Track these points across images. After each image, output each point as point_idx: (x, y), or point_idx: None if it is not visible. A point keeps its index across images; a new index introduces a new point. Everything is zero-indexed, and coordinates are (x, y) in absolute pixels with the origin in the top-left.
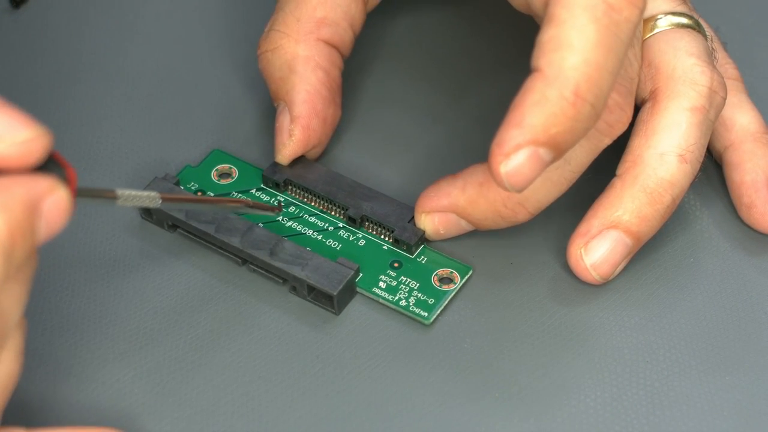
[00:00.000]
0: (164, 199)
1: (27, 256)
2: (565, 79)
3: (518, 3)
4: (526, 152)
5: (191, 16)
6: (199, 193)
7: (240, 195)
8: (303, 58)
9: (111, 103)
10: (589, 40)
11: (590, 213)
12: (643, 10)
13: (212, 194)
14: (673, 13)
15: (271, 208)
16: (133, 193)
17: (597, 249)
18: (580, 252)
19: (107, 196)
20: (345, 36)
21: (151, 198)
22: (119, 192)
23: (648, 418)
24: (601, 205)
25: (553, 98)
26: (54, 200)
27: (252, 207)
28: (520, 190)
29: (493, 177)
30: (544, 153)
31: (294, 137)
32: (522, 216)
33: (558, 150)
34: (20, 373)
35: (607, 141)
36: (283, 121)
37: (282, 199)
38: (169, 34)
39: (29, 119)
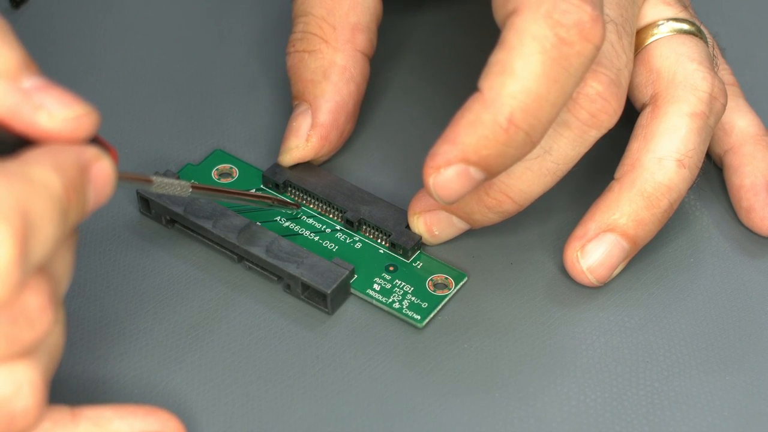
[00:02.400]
0: (194, 188)
1: (79, 220)
2: (501, 105)
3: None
4: (456, 168)
5: (193, 17)
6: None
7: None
8: (340, 67)
9: (112, 103)
10: (532, 70)
11: (587, 216)
12: (598, 45)
13: None
14: (675, 19)
15: (291, 205)
16: (166, 180)
17: (593, 252)
18: (577, 255)
19: (143, 180)
20: (373, 38)
21: (182, 186)
22: (154, 178)
23: (648, 418)
24: (598, 209)
25: (486, 122)
26: (100, 167)
27: (274, 202)
28: (448, 202)
29: (424, 186)
30: (474, 172)
31: (310, 143)
32: (508, 205)
33: (489, 171)
34: (63, 346)
35: (594, 133)
36: (302, 123)
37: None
38: (170, 34)
39: (78, 97)
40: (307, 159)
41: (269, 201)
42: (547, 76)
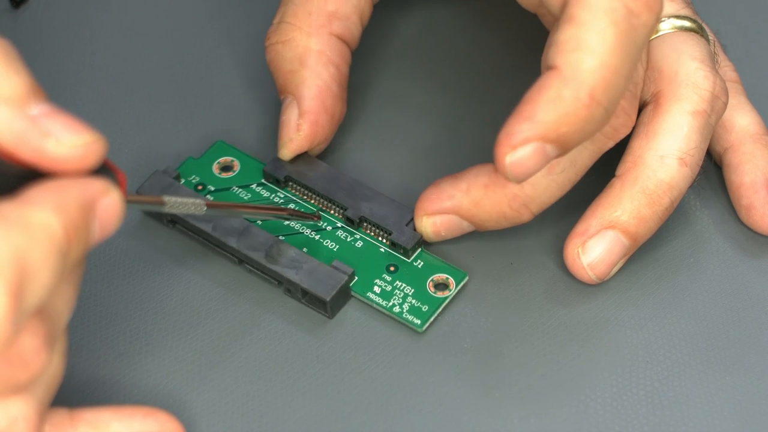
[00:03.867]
0: (208, 206)
1: (81, 257)
2: (582, 80)
3: (526, 2)
4: (533, 146)
5: (192, 15)
6: (197, 187)
7: (243, 192)
8: (315, 52)
9: (112, 103)
10: (608, 43)
11: (588, 213)
12: (659, 15)
13: (212, 188)
14: (677, 17)
15: (311, 216)
16: (180, 200)
17: (594, 248)
18: (578, 251)
19: (155, 202)
20: (354, 30)
21: (196, 205)
22: (166, 199)
23: (648, 418)
24: (599, 205)
25: (568, 98)
26: (107, 202)
27: (292, 215)
28: (520, 181)
29: (497, 165)
30: (550, 149)
31: (302, 132)
32: (526, 217)
33: (564, 148)
34: (64, 371)
35: (610, 144)
36: (291, 115)
37: (315, 210)
38: (169, 33)
39: (85, 124)
40: (304, 148)
41: (288, 214)
42: (621, 48)
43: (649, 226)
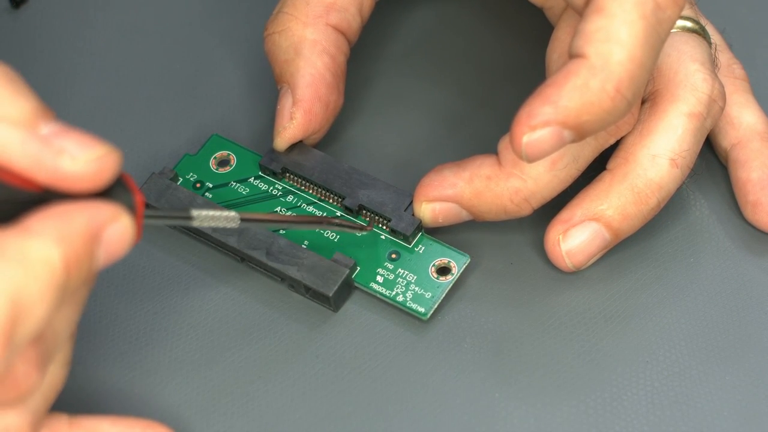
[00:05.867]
0: (243, 220)
1: (82, 284)
2: (610, 72)
3: None
4: (552, 130)
5: (187, 8)
6: (191, 194)
7: (241, 187)
8: (310, 41)
9: (110, 102)
10: (637, 36)
11: (575, 202)
12: (682, 10)
13: (210, 185)
14: (680, 17)
15: (360, 227)
16: (210, 213)
17: (575, 238)
18: (558, 238)
19: (182, 217)
20: (353, 22)
21: (228, 218)
22: (195, 213)
23: (648, 418)
24: (587, 196)
25: (594, 88)
26: (116, 229)
27: (338, 225)
28: (531, 161)
29: (512, 142)
30: (567, 135)
31: (295, 120)
32: (526, 211)
33: (580, 136)
34: (66, 378)
35: (612, 141)
36: (285, 104)
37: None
38: (169, 34)
39: (97, 138)
40: (298, 137)
41: (330, 223)
42: (647, 42)
43: (633, 223)
